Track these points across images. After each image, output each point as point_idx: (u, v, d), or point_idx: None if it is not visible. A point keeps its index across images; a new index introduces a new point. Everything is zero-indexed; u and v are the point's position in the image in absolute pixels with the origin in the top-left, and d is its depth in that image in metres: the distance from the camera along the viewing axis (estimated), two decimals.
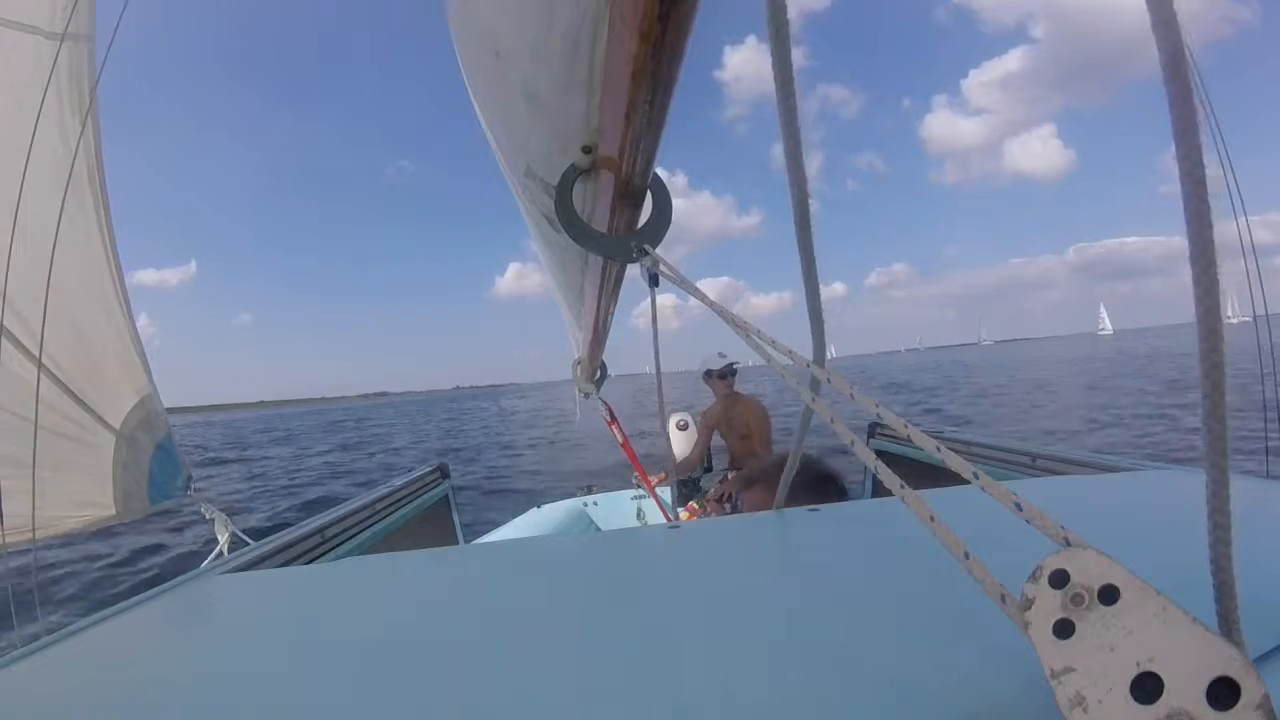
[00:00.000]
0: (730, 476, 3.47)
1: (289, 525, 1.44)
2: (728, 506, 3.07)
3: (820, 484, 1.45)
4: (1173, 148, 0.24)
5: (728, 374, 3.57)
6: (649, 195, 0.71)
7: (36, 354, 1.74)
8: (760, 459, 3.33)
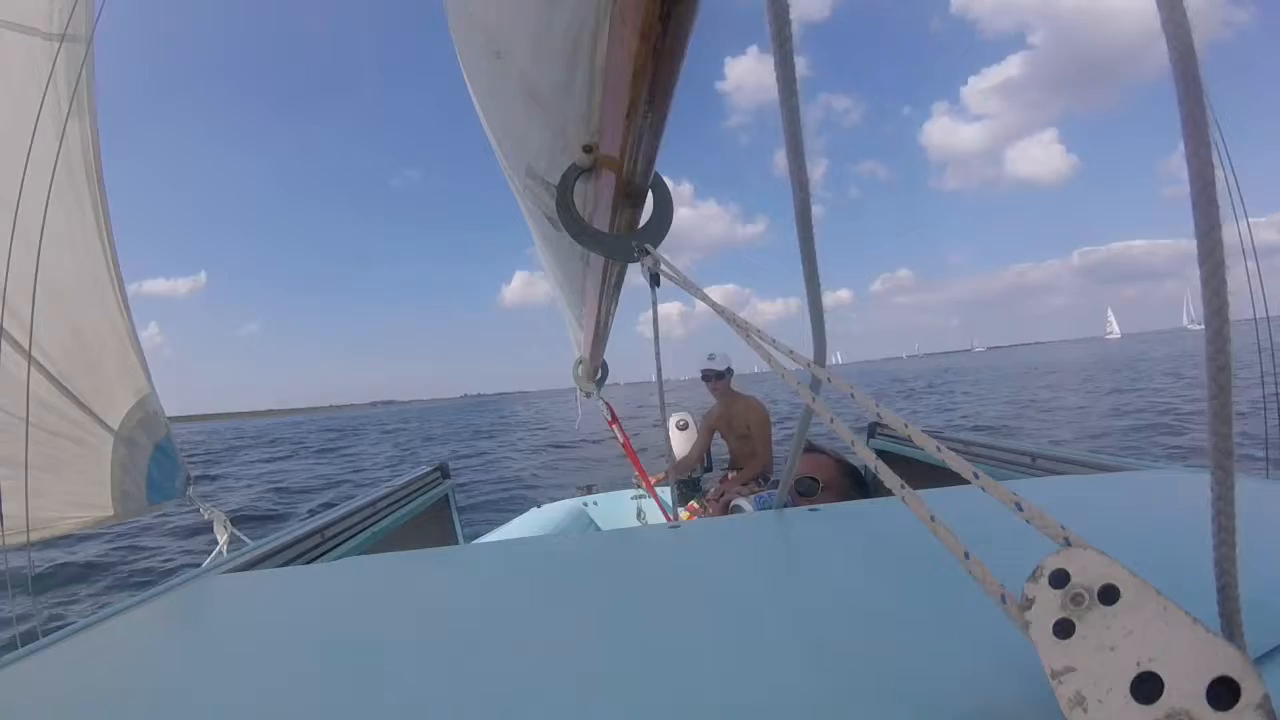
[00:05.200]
0: (730, 476, 3.47)
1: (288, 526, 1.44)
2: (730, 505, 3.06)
3: (854, 479, 1.45)
4: (1177, 149, 0.24)
5: (725, 375, 3.57)
6: (650, 195, 0.71)
7: (36, 355, 1.73)
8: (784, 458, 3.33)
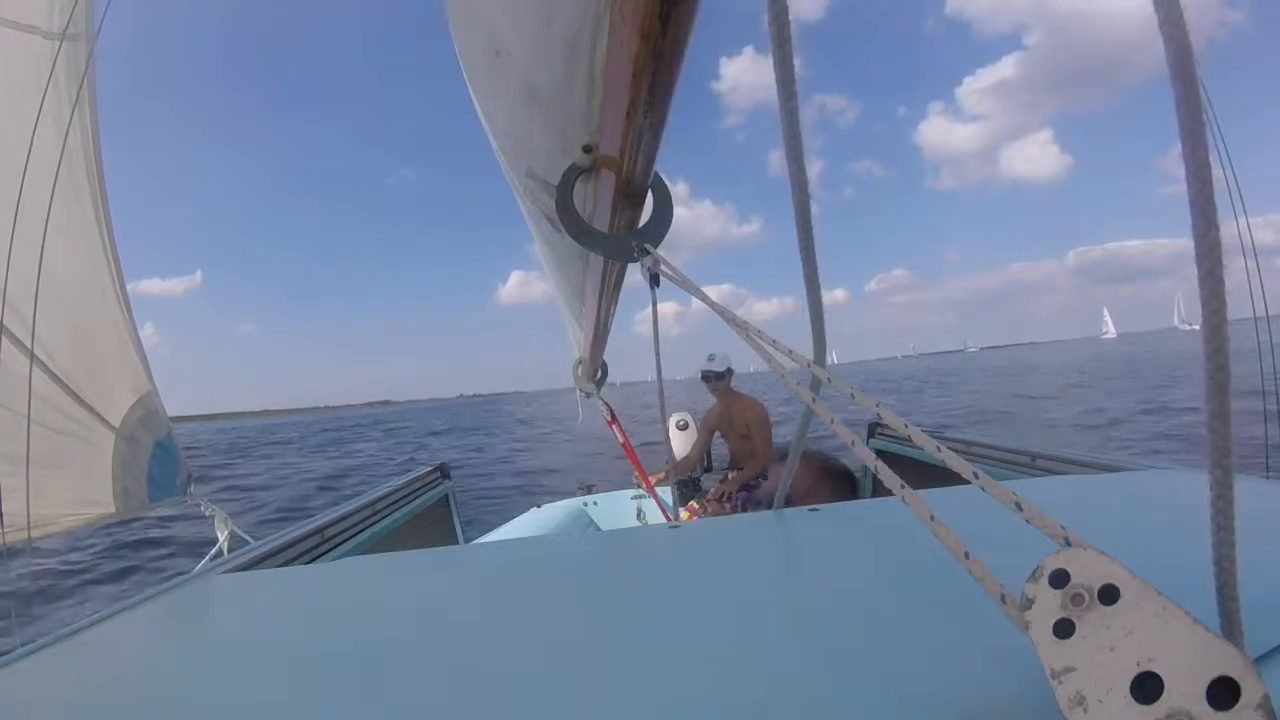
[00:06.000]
0: (730, 476, 3.46)
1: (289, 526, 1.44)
2: (728, 506, 3.06)
3: (837, 481, 1.45)
4: (1176, 149, 0.24)
5: (724, 375, 3.57)
6: (650, 195, 0.71)
7: (37, 353, 1.74)
8: (770, 456, 3.33)
